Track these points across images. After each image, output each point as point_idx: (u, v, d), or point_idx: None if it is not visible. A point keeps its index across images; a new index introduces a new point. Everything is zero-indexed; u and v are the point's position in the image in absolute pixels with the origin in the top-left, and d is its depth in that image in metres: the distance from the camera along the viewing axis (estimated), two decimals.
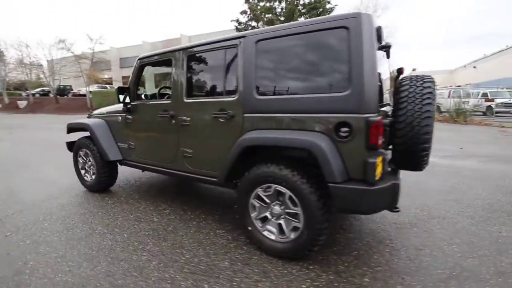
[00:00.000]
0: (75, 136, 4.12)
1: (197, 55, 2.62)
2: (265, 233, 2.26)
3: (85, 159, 3.81)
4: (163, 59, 2.95)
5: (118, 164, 3.63)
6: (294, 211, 2.08)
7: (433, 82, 2.07)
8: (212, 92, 2.57)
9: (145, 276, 2.02)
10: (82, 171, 3.88)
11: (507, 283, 1.89)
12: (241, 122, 2.29)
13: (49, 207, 3.34)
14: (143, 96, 3.35)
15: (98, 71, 30.22)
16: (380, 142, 1.80)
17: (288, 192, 2.06)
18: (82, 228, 2.78)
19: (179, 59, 2.71)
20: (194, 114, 2.61)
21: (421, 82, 2.06)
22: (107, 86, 29.11)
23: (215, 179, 2.56)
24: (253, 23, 18.21)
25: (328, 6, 16.26)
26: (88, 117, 4.04)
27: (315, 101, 1.95)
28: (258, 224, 2.29)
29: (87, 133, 3.80)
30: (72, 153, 3.94)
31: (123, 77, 35.10)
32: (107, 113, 3.63)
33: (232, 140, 2.35)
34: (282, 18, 16.57)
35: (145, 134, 3.11)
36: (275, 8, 17.08)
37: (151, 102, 3.24)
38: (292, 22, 2.06)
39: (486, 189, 3.70)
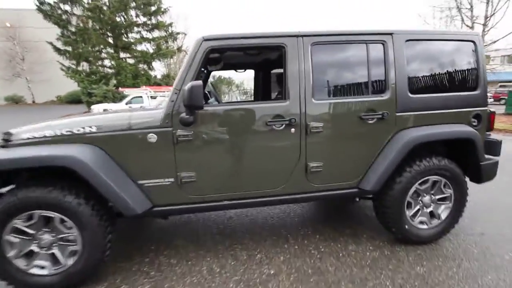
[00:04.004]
0: None
1: (326, 45, 2.11)
2: (419, 225, 2.34)
3: (29, 233, 1.79)
4: (259, 45, 2.09)
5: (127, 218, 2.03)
6: (445, 195, 2.34)
7: None
8: (353, 90, 2.19)
9: None
10: (18, 262, 1.80)
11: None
12: (393, 121, 2.19)
13: None
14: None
15: None
16: None
17: (443, 180, 2.29)
18: None
19: (299, 47, 2.04)
20: (330, 118, 2.11)
21: None
22: None
23: (355, 190, 2.24)
24: (66, 7, 13.73)
25: (161, 5, 15.36)
26: (3, 146, 1.86)
27: (457, 98, 2.30)
28: (410, 220, 2.32)
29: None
30: None
31: None
32: (104, 130, 1.88)
33: (381, 142, 2.20)
34: (105, 8, 13.70)
35: (229, 155, 2.02)
36: None
37: (245, 106, 2.14)
38: (436, 29, 2.29)
39: None
